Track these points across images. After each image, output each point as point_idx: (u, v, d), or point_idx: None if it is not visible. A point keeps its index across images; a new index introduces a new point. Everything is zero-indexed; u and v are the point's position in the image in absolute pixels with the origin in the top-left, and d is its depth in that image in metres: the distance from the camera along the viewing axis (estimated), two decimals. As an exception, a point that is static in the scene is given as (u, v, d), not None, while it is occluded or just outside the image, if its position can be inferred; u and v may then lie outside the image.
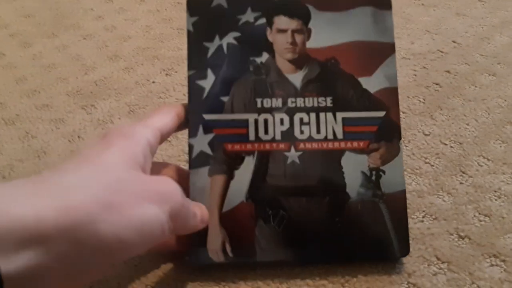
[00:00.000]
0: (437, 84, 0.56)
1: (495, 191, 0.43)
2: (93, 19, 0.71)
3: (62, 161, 0.47)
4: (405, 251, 0.36)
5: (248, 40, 0.38)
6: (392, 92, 0.38)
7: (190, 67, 0.37)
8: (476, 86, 0.56)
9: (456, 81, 0.56)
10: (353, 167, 0.37)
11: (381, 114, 0.37)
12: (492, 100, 0.54)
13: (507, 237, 0.39)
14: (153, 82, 0.57)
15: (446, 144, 0.48)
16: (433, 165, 0.46)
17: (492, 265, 0.37)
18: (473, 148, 0.47)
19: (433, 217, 0.41)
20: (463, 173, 0.45)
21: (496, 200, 0.42)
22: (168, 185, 0.30)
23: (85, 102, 0.55)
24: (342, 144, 0.37)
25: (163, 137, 0.34)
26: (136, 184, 0.28)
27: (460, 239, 0.39)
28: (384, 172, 0.37)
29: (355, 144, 0.37)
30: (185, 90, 0.56)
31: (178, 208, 0.30)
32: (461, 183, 0.44)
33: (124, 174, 0.28)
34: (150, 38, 0.66)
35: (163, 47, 0.64)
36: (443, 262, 0.37)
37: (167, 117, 0.35)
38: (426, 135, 0.49)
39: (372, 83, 0.37)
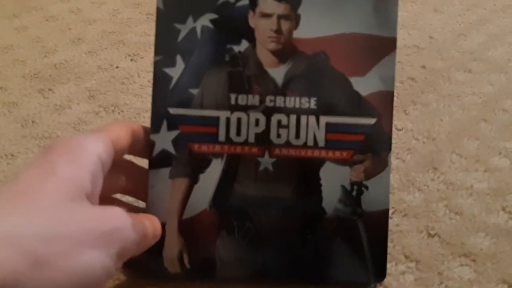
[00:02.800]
0: (412, 79, 0.54)
1: (467, 189, 0.42)
2: (58, 1, 0.67)
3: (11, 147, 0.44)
4: (381, 276, 0.33)
5: (226, 24, 0.33)
6: (386, 97, 0.33)
7: (157, 52, 0.33)
8: (451, 82, 0.54)
9: (431, 76, 0.55)
10: (333, 180, 0.33)
11: (371, 121, 0.33)
12: (467, 96, 0.52)
13: (478, 236, 0.38)
14: (117, 67, 0.55)
15: (418, 140, 0.46)
16: (404, 161, 0.44)
17: (461, 265, 0.36)
18: (446, 145, 0.46)
19: (403, 214, 0.39)
20: (435, 169, 0.43)
21: (467, 198, 0.41)
22: (116, 221, 0.26)
23: (43, 86, 0.52)
24: (323, 153, 0.33)
25: (118, 153, 0.30)
26: (76, 226, 0.24)
27: (430, 237, 0.38)
28: (366, 187, 0.33)
29: (337, 154, 0.33)
30: (150, 76, 0.52)
31: (129, 246, 0.26)
32: (432, 179, 0.42)
33: (63, 214, 0.23)
34: (117, 22, 0.63)
35: (129, 32, 0.61)
36: (411, 261, 0.36)
37: (121, 131, 0.30)
38: (398, 130, 0.48)
39: (364, 85, 0.33)
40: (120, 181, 0.32)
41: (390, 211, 0.39)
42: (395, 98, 0.51)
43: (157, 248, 0.32)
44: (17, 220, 0.22)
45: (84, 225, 0.24)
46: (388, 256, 0.35)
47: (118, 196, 0.34)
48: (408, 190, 0.41)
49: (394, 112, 0.49)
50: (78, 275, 0.23)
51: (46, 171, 0.25)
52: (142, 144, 0.32)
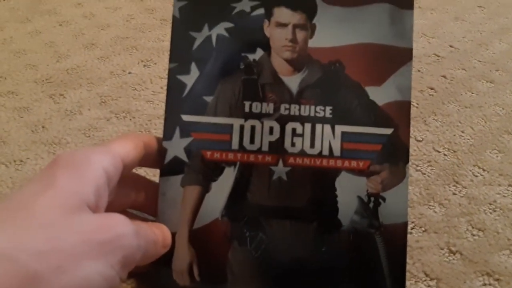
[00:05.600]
0: (432, 88, 0.53)
1: (490, 204, 0.40)
2: (72, 6, 0.67)
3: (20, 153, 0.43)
4: None
5: (242, 33, 0.33)
6: (403, 107, 0.32)
7: (172, 59, 0.33)
8: (472, 93, 0.52)
9: (452, 86, 0.53)
10: (349, 190, 0.32)
11: (388, 131, 0.32)
12: (489, 107, 0.50)
13: (502, 254, 0.36)
14: (129, 73, 0.54)
15: (439, 152, 0.45)
16: (424, 173, 0.42)
17: (485, 284, 0.34)
18: (468, 157, 0.44)
19: (423, 229, 0.38)
20: (457, 183, 0.42)
21: (491, 213, 0.39)
22: (116, 228, 0.25)
23: (54, 91, 0.51)
24: (339, 163, 0.32)
25: (127, 167, 0.29)
26: (72, 238, 0.23)
27: (451, 255, 0.36)
28: (384, 199, 0.32)
29: (353, 163, 0.32)
30: (163, 83, 0.52)
31: (132, 254, 0.25)
32: (454, 193, 0.41)
33: (59, 228, 0.23)
34: (131, 28, 0.62)
35: (143, 37, 0.60)
36: (431, 279, 0.34)
37: (131, 144, 0.29)
38: (418, 141, 0.46)
39: (381, 94, 0.32)
40: (130, 196, 0.32)
41: (410, 226, 0.38)
42: (414, 108, 0.50)
43: (166, 259, 0.31)
44: (10, 236, 0.22)
45: (81, 236, 0.23)
46: (407, 274, 0.34)
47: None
48: (429, 204, 0.40)
49: (414, 123, 0.48)
50: None
51: (45, 184, 0.24)
52: (155, 156, 0.32)
